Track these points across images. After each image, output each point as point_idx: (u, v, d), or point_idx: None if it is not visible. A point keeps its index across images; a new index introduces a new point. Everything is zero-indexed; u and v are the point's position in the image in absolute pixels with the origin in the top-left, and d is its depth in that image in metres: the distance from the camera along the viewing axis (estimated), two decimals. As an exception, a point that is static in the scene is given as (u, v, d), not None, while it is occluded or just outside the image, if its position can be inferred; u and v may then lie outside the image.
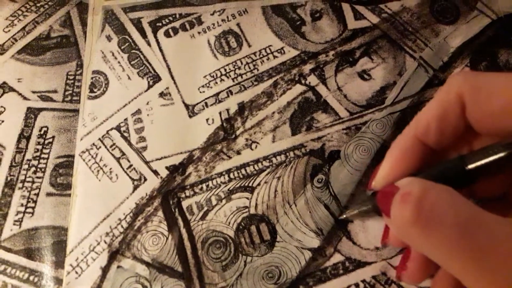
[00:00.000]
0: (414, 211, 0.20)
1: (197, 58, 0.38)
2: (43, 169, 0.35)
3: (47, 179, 0.35)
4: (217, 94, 0.36)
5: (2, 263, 0.32)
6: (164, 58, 0.38)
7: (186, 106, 0.36)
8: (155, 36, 0.39)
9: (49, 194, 0.34)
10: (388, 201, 0.22)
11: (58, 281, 0.31)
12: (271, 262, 0.31)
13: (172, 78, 0.37)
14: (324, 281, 0.30)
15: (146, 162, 0.34)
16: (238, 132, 0.35)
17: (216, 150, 0.34)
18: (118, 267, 0.31)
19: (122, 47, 0.39)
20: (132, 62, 0.38)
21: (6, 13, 0.41)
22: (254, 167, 0.34)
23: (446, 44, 0.37)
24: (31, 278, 0.32)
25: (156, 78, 0.37)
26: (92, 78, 0.38)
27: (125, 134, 0.35)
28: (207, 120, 0.36)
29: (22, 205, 0.34)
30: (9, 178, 0.35)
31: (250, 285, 0.30)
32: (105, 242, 0.32)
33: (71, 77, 0.38)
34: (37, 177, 0.35)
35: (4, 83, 0.38)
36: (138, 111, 0.36)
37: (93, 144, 0.35)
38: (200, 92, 0.37)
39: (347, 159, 0.33)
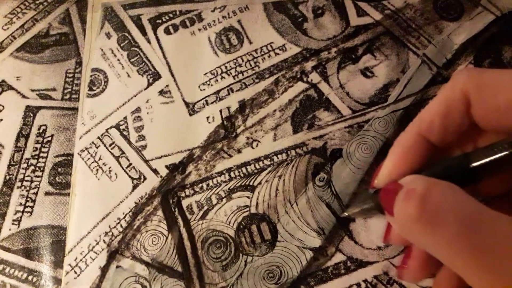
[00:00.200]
0: (418, 208, 0.20)
1: (197, 56, 0.38)
2: (42, 168, 0.35)
3: (46, 178, 0.34)
4: (218, 91, 0.36)
5: (0, 263, 0.32)
6: (164, 55, 0.38)
7: (186, 104, 0.36)
8: (155, 33, 0.39)
9: (48, 193, 0.34)
10: (391, 199, 0.21)
11: (57, 281, 0.31)
12: (272, 261, 0.30)
13: (172, 75, 0.37)
14: (326, 281, 0.30)
15: (146, 161, 0.34)
16: (239, 131, 0.35)
17: (217, 149, 0.34)
18: (117, 266, 0.31)
19: (122, 45, 0.38)
20: (132, 60, 0.38)
21: (5, 10, 0.40)
22: (255, 166, 0.33)
23: (449, 41, 0.36)
24: (30, 278, 0.32)
25: (156, 76, 0.37)
26: (91, 76, 0.37)
27: (125, 133, 0.35)
28: (207, 118, 0.35)
29: (20, 204, 0.34)
30: (7, 177, 0.34)
31: (250, 285, 0.30)
32: (104, 242, 0.32)
33: (70, 75, 0.38)
34: (36, 176, 0.34)
35: (3, 81, 0.38)
36: (138, 109, 0.36)
37: (92, 142, 0.35)
38: (201, 89, 0.36)
39: (349, 157, 0.33)
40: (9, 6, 0.41)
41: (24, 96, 0.37)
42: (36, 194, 0.34)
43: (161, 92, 0.36)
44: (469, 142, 0.25)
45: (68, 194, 0.34)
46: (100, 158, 0.34)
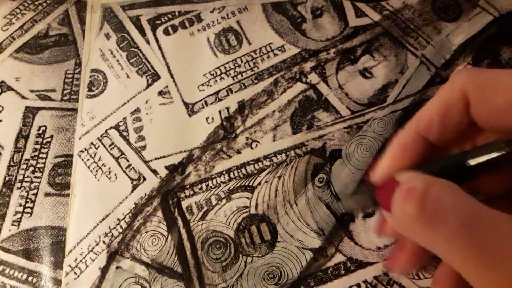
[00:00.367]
0: (418, 208, 0.20)
1: (196, 56, 0.38)
2: (41, 169, 0.35)
3: (45, 179, 0.34)
4: (217, 92, 0.36)
5: (0, 264, 0.32)
6: (163, 56, 0.38)
7: (186, 104, 0.36)
8: (154, 34, 0.39)
9: (47, 194, 0.34)
10: (388, 196, 0.22)
11: (57, 281, 0.31)
12: (272, 262, 0.30)
13: (172, 76, 0.37)
14: (326, 281, 0.30)
15: (145, 162, 0.34)
16: (238, 131, 0.35)
17: (216, 149, 0.34)
18: (117, 267, 0.31)
19: (121, 45, 0.38)
20: (131, 60, 0.38)
21: (4, 11, 0.40)
22: (254, 167, 0.33)
23: (448, 42, 0.37)
24: (30, 278, 0.31)
25: (155, 77, 0.37)
26: (90, 76, 0.37)
27: (124, 133, 0.35)
28: (206, 119, 0.35)
29: (20, 205, 0.33)
30: (7, 178, 0.34)
31: (250, 285, 0.30)
32: (104, 243, 0.32)
33: (70, 76, 0.38)
34: (36, 177, 0.34)
35: (2, 82, 0.38)
36: (137, 110, 0.36)
37: (92, 143, 0.35)
38: (200, 90, 0.36)
39: (348, 158, 0.33)
40: (8, 7, 0.41)
41: (23, 97, 0.37)
42: (35, 195, 0.34)
43: (161, 93, 0.36)
44: (468, 141, 0.25)
45: (68, 195, 0.34)
46: (99, 159, 0.34)
